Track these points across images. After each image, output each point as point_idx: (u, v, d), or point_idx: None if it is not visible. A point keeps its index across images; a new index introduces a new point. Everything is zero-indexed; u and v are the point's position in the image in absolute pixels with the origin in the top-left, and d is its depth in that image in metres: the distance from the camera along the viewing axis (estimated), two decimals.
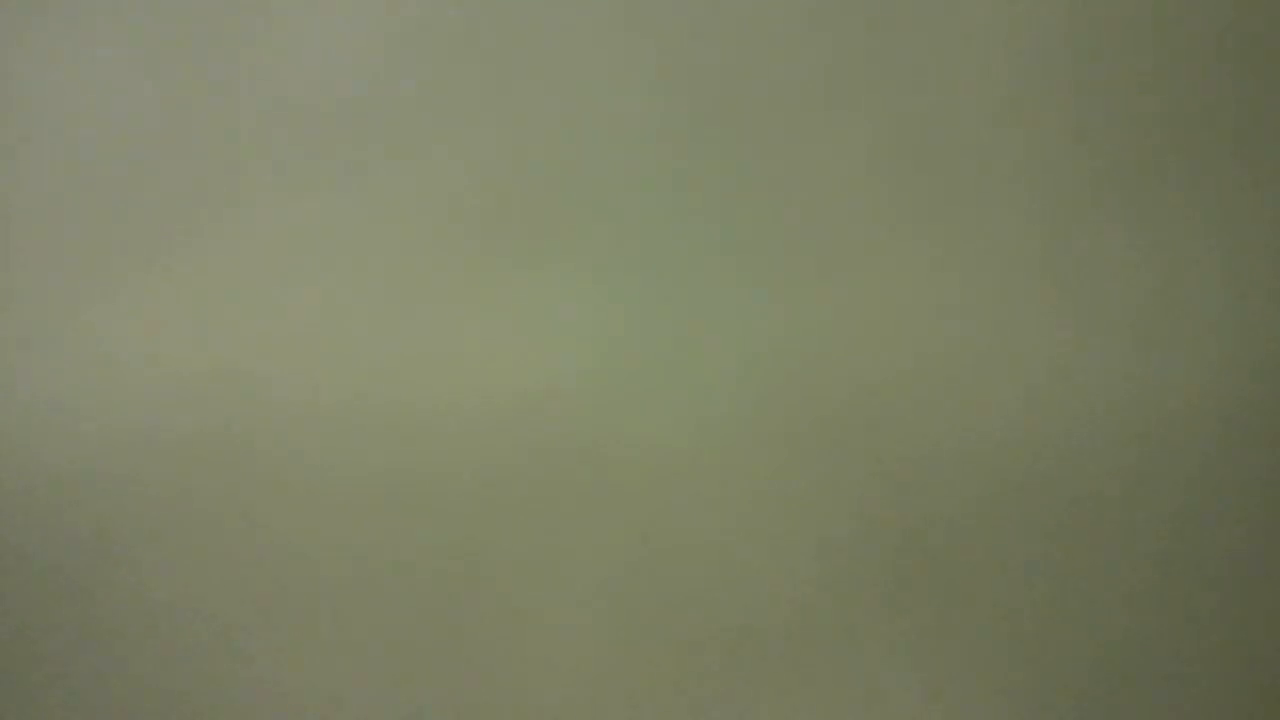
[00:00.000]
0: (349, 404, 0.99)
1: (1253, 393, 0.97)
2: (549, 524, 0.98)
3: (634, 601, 0.97)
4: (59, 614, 0.99)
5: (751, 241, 0.99)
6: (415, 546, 0.98)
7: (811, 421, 0.98)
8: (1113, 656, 0.96)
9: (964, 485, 0.97)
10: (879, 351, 0.98)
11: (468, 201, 1.01)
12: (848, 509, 0.97)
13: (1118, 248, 0.99)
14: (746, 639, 0.97)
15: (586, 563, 0.98)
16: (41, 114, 1.02)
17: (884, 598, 0.97)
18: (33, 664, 0.98)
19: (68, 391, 1.00)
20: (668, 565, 0.97)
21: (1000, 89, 1.00)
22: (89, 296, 1.01)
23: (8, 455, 1.00)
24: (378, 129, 1.01)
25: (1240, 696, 0.95)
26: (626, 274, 0.99)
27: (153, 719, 0.98)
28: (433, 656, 0.97)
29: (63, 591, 0.99)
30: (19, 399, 1.00)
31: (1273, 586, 0.96)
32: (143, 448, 0.99)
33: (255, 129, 1.02)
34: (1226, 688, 0.95)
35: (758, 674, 0.97)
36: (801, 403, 0.98)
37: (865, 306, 0.99)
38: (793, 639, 0.97)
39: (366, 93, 1.02)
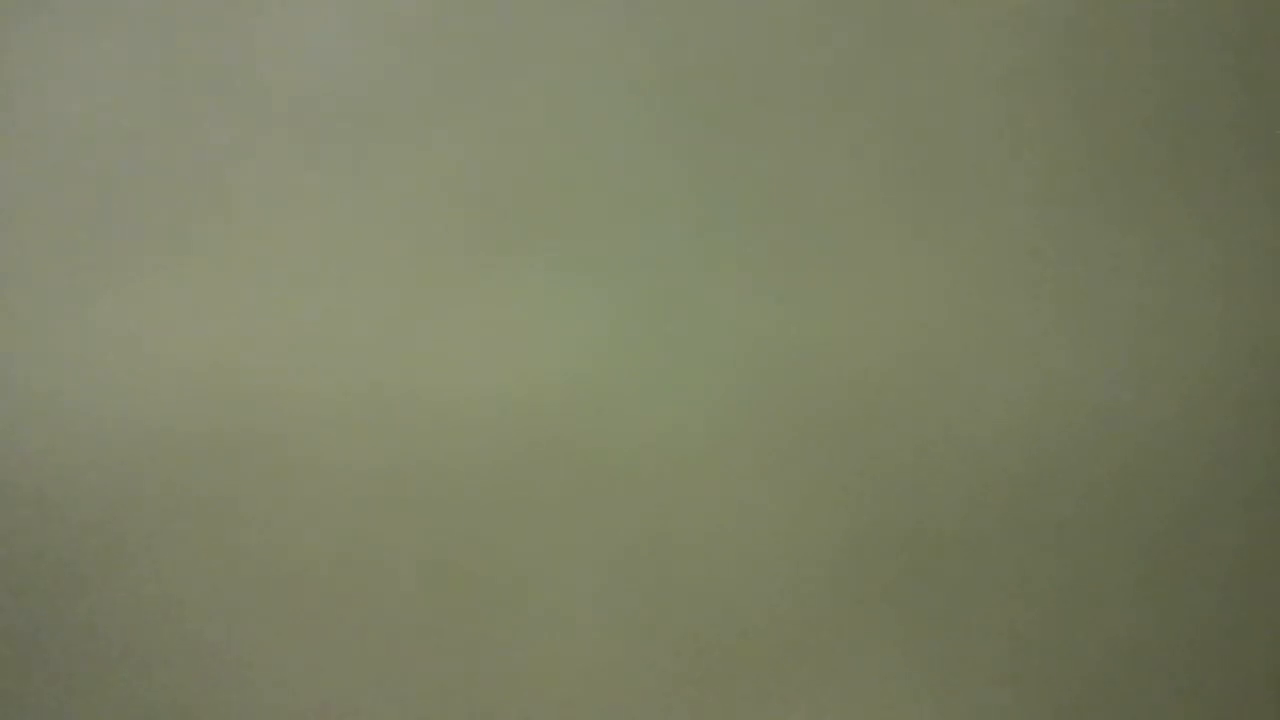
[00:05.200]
0: (349, 401, 0.99)
1: (1251, 392, 0.97)
2: (549, 520, 0.98)
3: (634, 597, 0.97)
4: (61, 611, 0.99)
5: (750, 241, 0.99)
6: (416, 541, 0.98)
7: (812, 418, 0.98)
8: (1111, 653, 0.96)
9: (963, 483, 0.97)
10: (877, 350, 0.98)
11: (468, 200, 1.01)
12: (847, 506, 0.97)
13: (1117, 247, 0.99)
14: (745, 635, 0.97)
15: (586, 559, 0.98)
16: (41, 114, 1.02)
17: (882, 594, 0.97)
18: (35, 660, 0.98)
19: (70, 389, 1.00)
20: (667, 561, 0.97)
21: (999, 88, 1.00)
22: (90, 294, 1.01)
23: (10, 452, 1.00)
24: (377, 128, 1.01)
25: (1240, 696, 0.95)
26: (625, 272, 0.99)
27: (155, 716, 0.98)
28: (435, 650, 0.97)
29: (65, 588, 0.99)
30: (21, 396, 1.00)
31: (1272, 585, 0.96)
32: (146, 445, 0.99)
33: (255, 127, 1.02)
34: (1226, 686, 0.95)
35: (756, 669, 0.97)
36: (801, 400, 0.98)
37: (863, 305, 0.99)
38: (791, 635, 0.97)
39: (366, 92, 1.02)
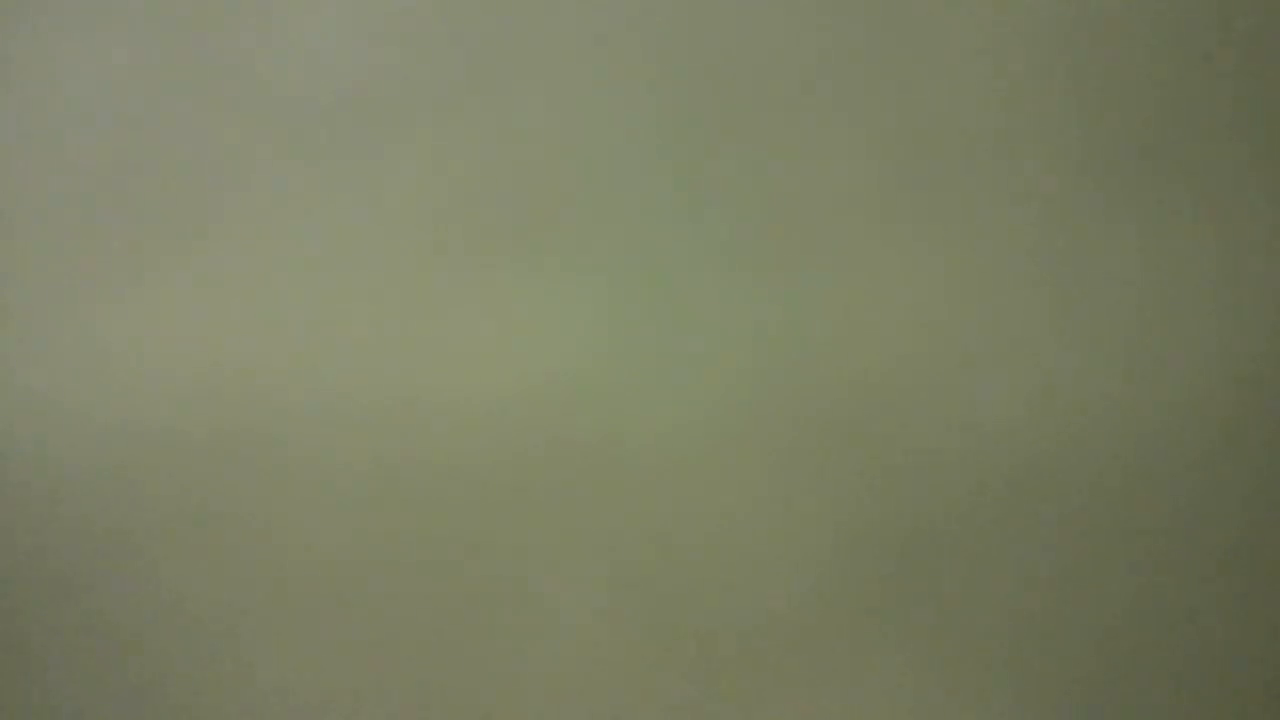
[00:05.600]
0: (349, 401, 0.99)
1: (1249, 392, 0.98)
2: (549, 519, 0.98)
3: (634, 595, 0.97)
4: (62, 610, 0.99)
5: (749, 241, 1.00)
6: (415, 541, 0.98)
7: (811, 417, 0.98)
8: (1108, 654, 0.96)
9: (961, 483, 0.97)
10: (876, 350, 0.98)
11: (467, 200, 1.01)
12: (845, 505, 0.97)
13: (1115, 247, 0.99)
14: (745, 633, 0.97)
15: (585, 557, 0.98)
16: (42, 114, 1.03)
17: (882, 592, 0.97)
18: (35, 660, 0.98)
19: (73, 390, 1.00)
20: (667, 560, 0.97)
21: (998, 88, 1.00)
22: (91, 295, 1.01)
23: (10, 452, 1.00)
24: (378, 130, 1.01)
25: (1238, 696, 0.95)
26: (624, 272, 1.00)
27: (156, 714, 0.98)
28: (434, 649, 0.98)
29: (66, 588, 0.99)
30: (21, 397, 1.00)
31: (1272, 584, 0.96)
32: (148, 445, 0.99)
33: (255, 130, 1.02)
34: (1224, 686, 0.95)
35: (756, 667, 0.97)
36: (800, 398, 0.98)
37: (862, 305, 0.99)
38: (791, 632, 0.97)
39: (368, 93, 1.02)
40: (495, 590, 0.98)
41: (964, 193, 0.99)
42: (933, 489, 0.97)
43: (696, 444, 0.98)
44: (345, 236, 1.01)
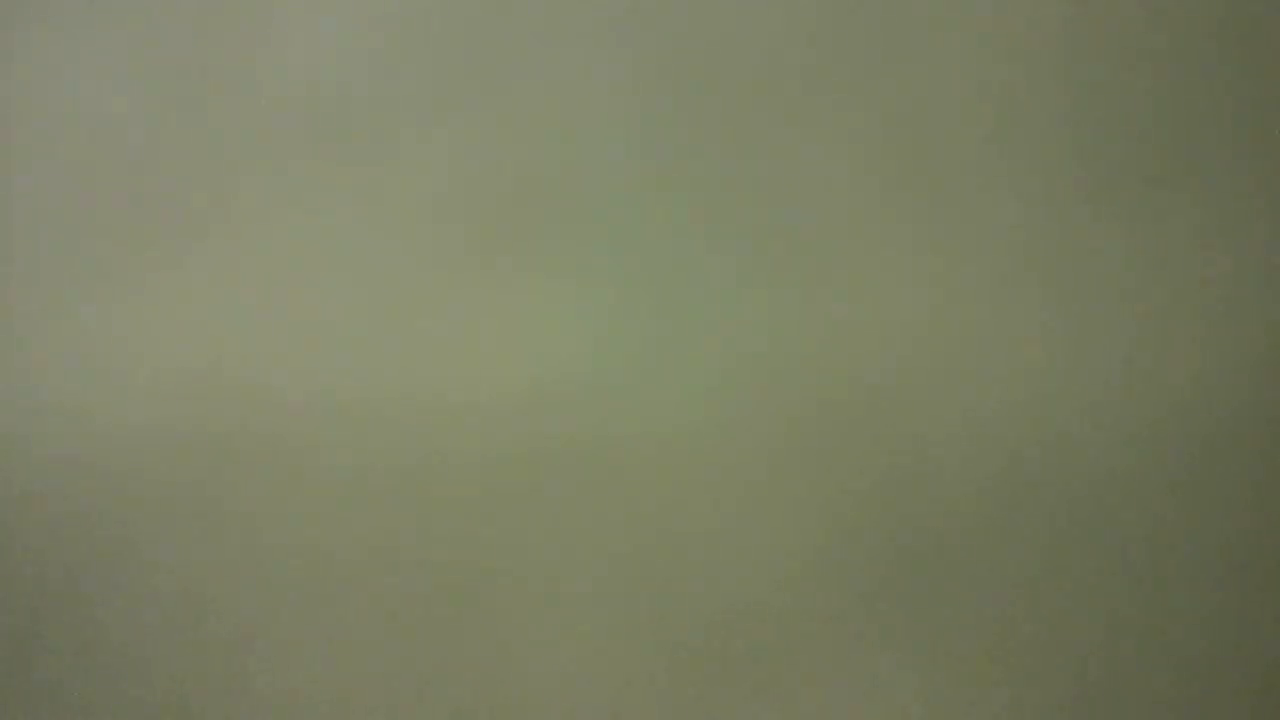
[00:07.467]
0: (349, 401, 0.99)
1: (1249, 392, 0.97)
2: (546, 518, 0.98)
3: (631, 592, 0.97)
4: (62, 610, 0.99)
5: (743, 241, 0.99)
6: (414, 540, 0.98)
7: (806, 416, 0.98)
8: (1105, 653, 0.96)
9: (956, 480, 0.97)
10: (871, 349, 0.98)
11: (466, 202, 1.01)
12: (842, 504, 0.97)
13: (1114, 247, 0.99)
14: (739, 630, 0.97)
15: (582, 556, 0.98)
16: (41, 114, 1.02)
17: (878, 590, 0.97)
18: (35, 660, 0.98)
19: (71, 389, 1.00)
20: (664, 558, 0.97)
21: (996, 86, 1.00)
22: (91, 295, 1.01)
23: (10, 452, 1.00)
24: (376, 131, 1.01)
25: (1236, 695, 0.95)
26: (620, 273, 0.99)
27: (156, 714, 0.98)
28: (433, 646, 0.98)
29: (65, 588, 0.99)
30: (22, 397, 1.00)
31: (1269, 585, 0.96)
32: (146, 445, 0.99)
33: (254, 130, 1.02)
34: (1223, 687, 0.95)
35: (751, 664, 0.97)
36: (793, 399, 0.98)
37: (858, 305, 0.99)
38: (788, 630, 0.97)
39: (365, 95, 1.02)
40: (494, 589, 0.98)
41: (960, 193, 0.99)
42: (927, 487, 0.97)
43: (694, 443, 0.98)
44: (345, 236, 1.01)
